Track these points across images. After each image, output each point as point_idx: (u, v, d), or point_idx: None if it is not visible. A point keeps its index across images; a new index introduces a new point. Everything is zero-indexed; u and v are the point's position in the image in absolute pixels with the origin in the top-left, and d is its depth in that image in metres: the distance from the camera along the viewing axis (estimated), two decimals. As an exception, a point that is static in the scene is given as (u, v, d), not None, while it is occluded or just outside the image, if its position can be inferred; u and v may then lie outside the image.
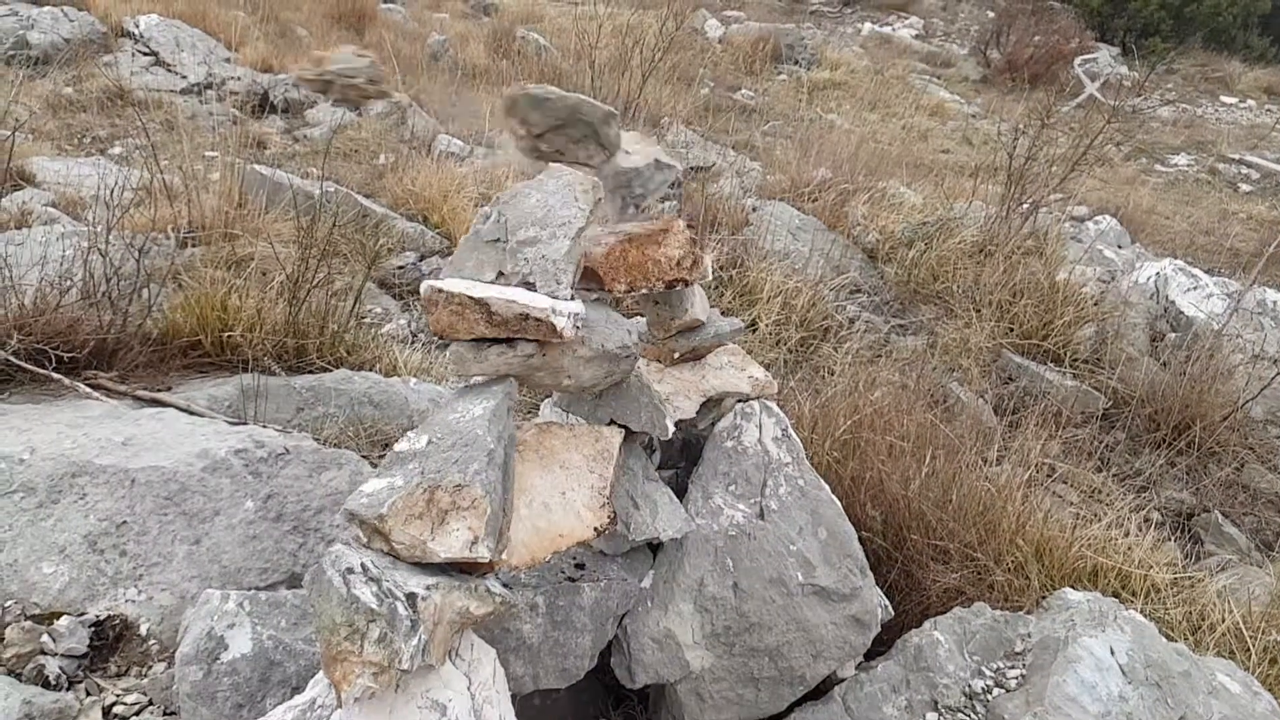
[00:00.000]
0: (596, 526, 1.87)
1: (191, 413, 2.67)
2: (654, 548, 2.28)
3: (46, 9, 7.74)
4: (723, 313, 2.57)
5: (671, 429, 2.19)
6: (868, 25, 17.13)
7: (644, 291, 2.10)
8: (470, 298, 1.68)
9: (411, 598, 1.41)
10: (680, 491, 2.34)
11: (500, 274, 1.76)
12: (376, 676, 1.36)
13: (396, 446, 1.63)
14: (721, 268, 4.95)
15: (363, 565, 1.42)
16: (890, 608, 2.52)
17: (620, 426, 2.11)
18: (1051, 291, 5.23)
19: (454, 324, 1.70)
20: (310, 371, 3.25)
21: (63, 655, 1.93)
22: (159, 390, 2.89)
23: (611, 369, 1.96)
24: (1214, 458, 4.39)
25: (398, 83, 8.04)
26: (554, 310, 1.69)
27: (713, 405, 2.43)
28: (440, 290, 1.69)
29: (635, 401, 2.12)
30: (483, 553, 1.51)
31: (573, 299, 1.77)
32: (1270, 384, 4.56)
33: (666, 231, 2.08)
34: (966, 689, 2.20)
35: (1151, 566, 2.99)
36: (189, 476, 2.23)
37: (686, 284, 2.14)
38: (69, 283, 2.98)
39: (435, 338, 1.88)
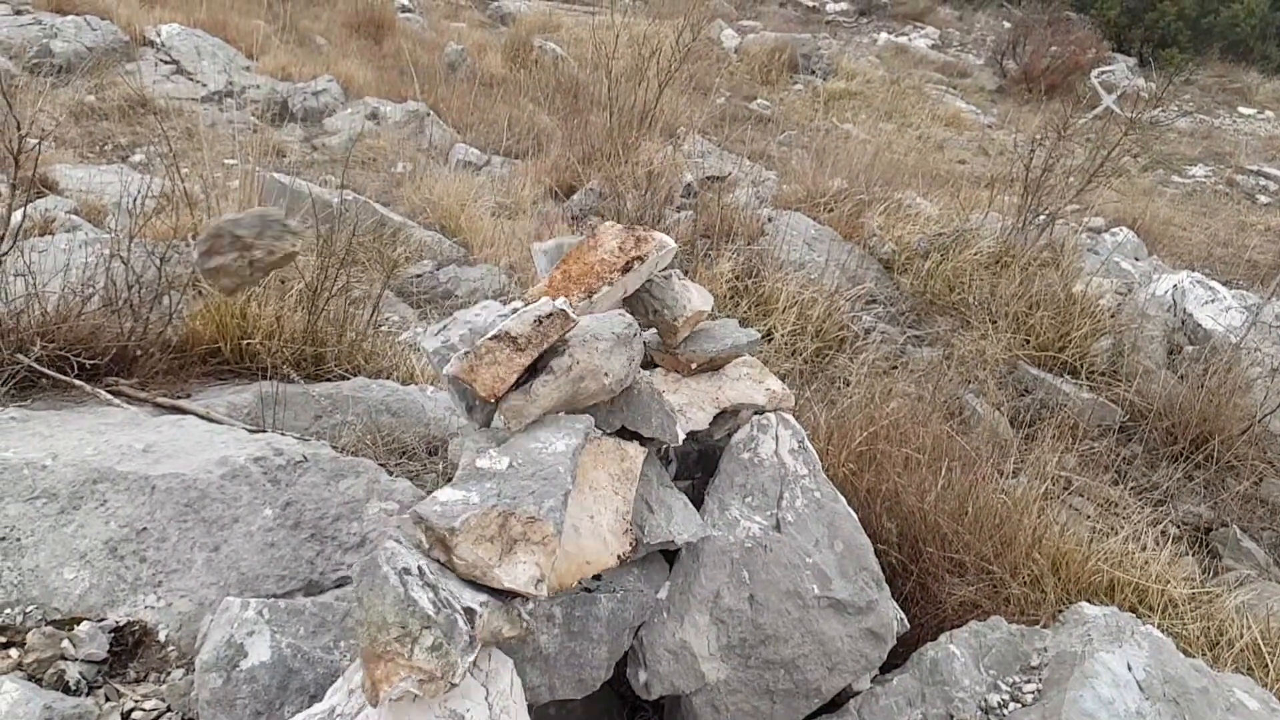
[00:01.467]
0: (620, 554, 1.88)
1: (211, 420, 2.69)
2: (669, 558, 2.28)
3: (70, 18, 7.85)
4: (739, 323, 2.57)
5: (682, 436, 2.19)
6: (884, 35, 17.12)
7: (604, 291, 2.09)
8: (491, 338, 1.72)
9: (470, 613, 1.41)
10: (697, 503, 2.34)
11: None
12: (422, 684, 1.35)
13: (478, 462, 1.65)
14: (737, 278, 4.95)
15: (419, 568, 1.42)
16: (906, 621, 2.51)
17: (634, 436, 2.12)
18: (1068, 303, 5.20)
19: (497, 374, 1.73)
20: (328, 379, 3.26)
21: (83, 661, 1.95)
22: (179, 397, 2.91)
23: (630, 354, 2.00)
24: (1232, 471, 4.35)
25: (415, 92, 8.10)
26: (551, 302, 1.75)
27: (729, 416, 2.43)
28: (467, 352, 1.73)
29: (646, 408, 2.13)
30: (543, 592, 1.51)
31: None
32: (1289, 398, 4.52)
33: (594, 235, 2.12)
34: (982, 703, 2.19)
35: (1169, 581, 2.97)
36: (208, 484, 2.25)
37: (642, 260, 2.13)
38: (91, 290, 3.01)
39: (488, 403, 1.94)
